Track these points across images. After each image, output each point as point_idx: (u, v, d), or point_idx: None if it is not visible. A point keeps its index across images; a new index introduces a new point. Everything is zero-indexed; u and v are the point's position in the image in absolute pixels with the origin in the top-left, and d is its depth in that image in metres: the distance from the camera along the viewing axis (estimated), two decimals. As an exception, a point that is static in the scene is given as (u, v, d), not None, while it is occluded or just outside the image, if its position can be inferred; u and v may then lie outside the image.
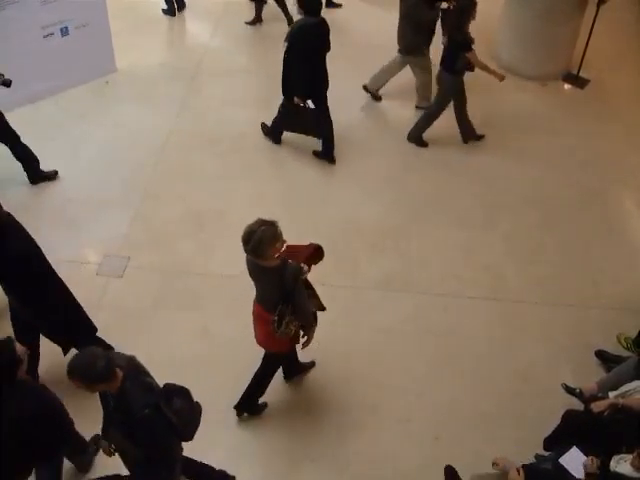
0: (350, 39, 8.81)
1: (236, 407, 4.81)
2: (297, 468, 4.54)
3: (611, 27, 8.37)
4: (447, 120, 7.44)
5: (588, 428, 4.22)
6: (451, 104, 7.02)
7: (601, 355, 5.18)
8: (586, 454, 3.96)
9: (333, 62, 8.36)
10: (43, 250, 5.86)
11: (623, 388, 4.39)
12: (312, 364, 5.09)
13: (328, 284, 5.68)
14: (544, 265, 5.97)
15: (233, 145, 7.13)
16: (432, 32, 7.10)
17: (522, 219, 6.38)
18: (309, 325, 4.38)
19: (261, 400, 4.85)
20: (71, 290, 5.52)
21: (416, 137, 7.16)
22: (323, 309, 4.53)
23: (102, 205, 6.34)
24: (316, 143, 6.95)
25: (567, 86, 8.13)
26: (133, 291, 5.60)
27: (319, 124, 6.70)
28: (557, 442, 4.36)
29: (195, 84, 7.94)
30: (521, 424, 4.78)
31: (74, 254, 5.87)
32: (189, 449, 4.55)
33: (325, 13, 9.23)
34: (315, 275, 5.77)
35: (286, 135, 7.18)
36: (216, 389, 4.93)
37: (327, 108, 6.69)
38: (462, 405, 4.92)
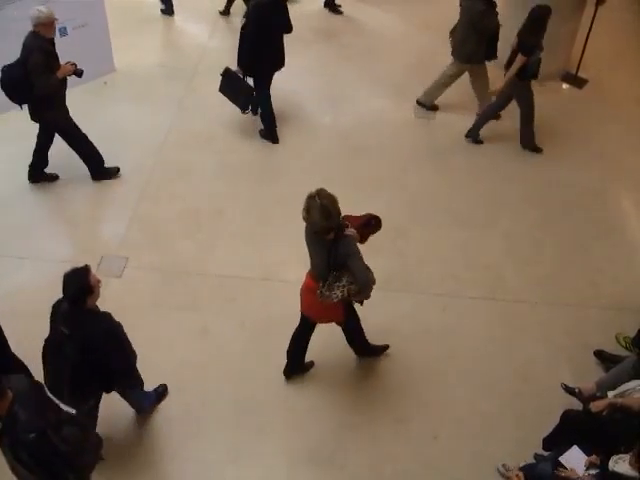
0: (350, 40, 8.82)
1: (359, 354, 5.09)
2: (296, 468, 4.54)
3: (609, 27, 8.38)
4: (446, 120, 7.46)
5: (587, 428, 4.22)
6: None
7: (600, 355, 5.18)
8: (585, 453, 3.96)
9: (334, 63, 8.42)
10: (39, 250, 5.90)
11: (622, 388, 4.39)
12: (311, 364, 5.10)
13: (327, 284, 5.69)
14: (543, 265, 5.97)
15: (231, 145, 7.13)
16: (495, 40, 6.95)
17: (521, 219, 6.39)
18: (366, 295, 4.39)
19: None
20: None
21: (530, 145, 7.14)
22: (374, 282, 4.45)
23: (100, 205, 6.34)
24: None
25: (565, 86, 8.14)
26: (132, 291, 5.59)
27: (249, 99, 6.98)
28: (556, 442, 4.36)
29: (194, 84, 7.94)
30: (520, 424, 4.78)
31: (72, 254, 5.86)
32: (190, 447, 4.57)
33: (328, 14, 9.34)
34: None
35: (284, 135, 7.18)
36: (215, 389, 4.94)
37: (267, 88, 6.90)
38: (461, 405, 4.92)
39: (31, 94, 5.71)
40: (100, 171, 6.51)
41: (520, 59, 6.42)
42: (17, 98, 5.83)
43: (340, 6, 9.30)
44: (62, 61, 5.87)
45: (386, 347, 5.22)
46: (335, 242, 4.14)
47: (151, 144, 7.01)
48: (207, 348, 5.21)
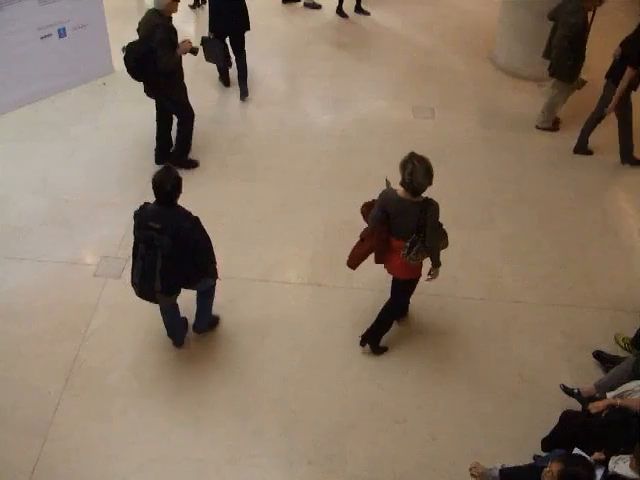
0: (349, 41, 8.84)
1: (363, 337, 5.17)
2: (294, 469, 4.53)
3: (608, 28, 8.37)
4: (445, 122, 7.46)
5: (586, 429, 4.22)
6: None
7: (599, 356, 5.18)
8: (587, 454, 3.96)
9: (333, 64, 8.42)
10: (38, 252, 5.90)
11: (621, 388, 4.38)
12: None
13: (324, 285, 5.70)
14: (541, 265, 5.97)
15: (230, 146, 7.13)
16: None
17: (520, 219, 6.39)
18: (438, 261, 4.74)
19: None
20: (69, 291, 5.54)
21: (582, 148, 7.17)
22: (446, 246, 4.82)
23: (99, 206, 6.34)
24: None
25: (564, 87, 8.14)
26: (131, 292, 5.55)
27: (227, 57, 7.60)
28: (555, 443, 4.36)
29: (192, 85, 7.91)
30: (519, 424, 4.78)
31: (72, 255, 5.86)
32: (189, 447, 4.57)
33: (327, 15, 9.35)
34: (312, 276, 5.81)
35: (285, 136, 7.18)
36: (214, 389, 4.94)
37: (224, 44, 7.48)
38: (459, 406, 4.92)
39: (153, 70, 5.90)
40: (182, 160, 6.69)
41: (629, 72, 6.42)
42: (140, 74, 6.03)
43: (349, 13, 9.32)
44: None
45: (386, 349, 5.24)
46: (425, 206, 4.44)
47: (149, 145, 6.99)
48: (207, 348, 5.20)
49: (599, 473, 3.82)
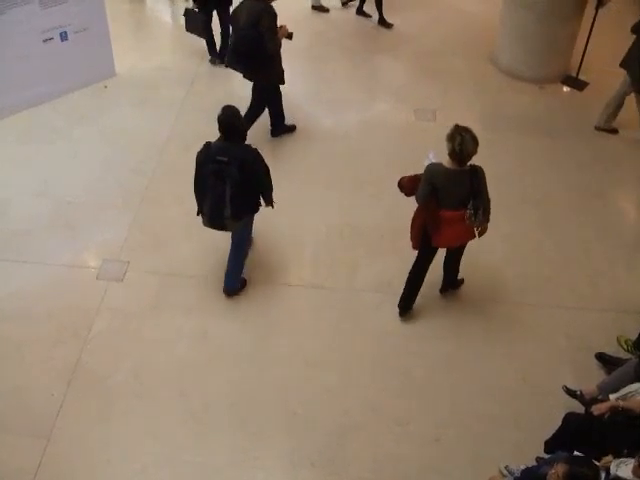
0: (350, 43, 8.84)
1: (449, 287, 5.67)
2: (297, 471, 4.53)
3: (610, 29, 8.36)
4: (448, 124, 7.45)
5: (589, 431, 4.21)
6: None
7: (601, 357, 5.17)
8: (588, 456, 3.95)
9: (335, 66, 8.43)
10: (40, 254, 5.91)
11: (624, 390, 4.37)
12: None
13: (325, 287, 5.70)
14: (544, 266, 5.96)
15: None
16: None
17: (521, 220, 6.39)
18: (488, 219, 5.02)
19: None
20: (71, 294, 5.55)
21: None
22: None
23: (101, 209, 6.34)
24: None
25: (566, 88, 8.14)
26: (133, 295, 5.59)
27: (204, 28, 8.07)
28: (558, 445, 4.35)
29: (194, 88, 7.95)
30: (521, 426, 4.77)
31: (73, 258, 5.87)
32: (191, 450, 4.57)
33: (327, 17, 9.36)
34: (313, 278, 5.81)
35: (285, 138, 7.19)
36: (217, 391, 4.94)
37: (210, 16, 8.03)
38: (462, 407, 4.92)
39: (263, 53, 6.26)
40: (282, 128, 7.19)
41: None
42: (250, 58, 6.33)
43: (367, 15, 9.31)
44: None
45: (462, 281, 5.72)
46: (474, 171, 4.76)
47: (152, 148, 7.01)
48: (209, 351, 5.21)
49: (601, 476, 3.81)
